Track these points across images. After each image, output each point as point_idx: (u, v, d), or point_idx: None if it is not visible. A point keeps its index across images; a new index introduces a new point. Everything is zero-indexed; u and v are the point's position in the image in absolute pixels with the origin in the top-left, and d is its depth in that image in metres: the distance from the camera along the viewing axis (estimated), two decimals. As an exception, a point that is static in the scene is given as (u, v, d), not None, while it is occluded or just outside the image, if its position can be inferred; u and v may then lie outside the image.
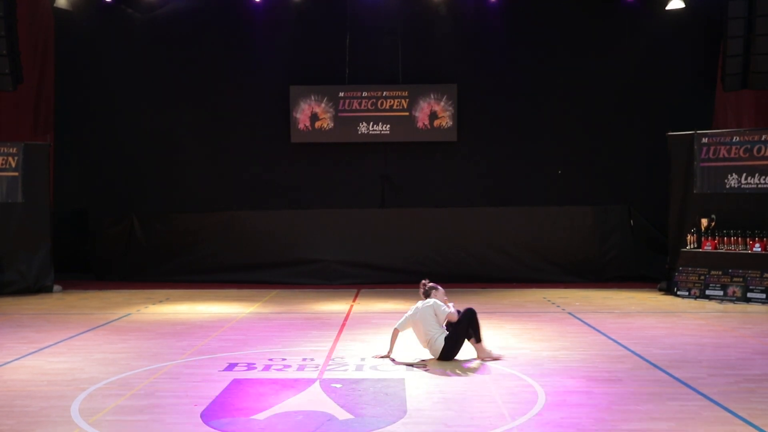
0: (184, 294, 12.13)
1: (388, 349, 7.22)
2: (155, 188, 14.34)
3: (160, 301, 11.32)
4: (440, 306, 7.14)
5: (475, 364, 6.95)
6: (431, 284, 7.42)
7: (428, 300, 7.25)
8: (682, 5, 13.26)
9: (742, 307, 10.63)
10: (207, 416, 5.30)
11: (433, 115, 14.12)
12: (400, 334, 7.26)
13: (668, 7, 13.38)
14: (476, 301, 11.31)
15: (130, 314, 10.07)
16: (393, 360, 7.07)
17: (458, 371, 6.70)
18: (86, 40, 14.23)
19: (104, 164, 14.37)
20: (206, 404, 5.60)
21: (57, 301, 11.59)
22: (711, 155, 11.76)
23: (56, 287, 12.45)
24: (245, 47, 14.33)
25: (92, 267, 14.19)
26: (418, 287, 7.48)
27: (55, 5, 13.72)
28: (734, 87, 11.96)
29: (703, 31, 13.65)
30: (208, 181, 14.40)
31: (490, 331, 8.71)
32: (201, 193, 14.34)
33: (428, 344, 7.11)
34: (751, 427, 5.01)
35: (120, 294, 12.15)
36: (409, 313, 7.21)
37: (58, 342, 8.06)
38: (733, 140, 11.59)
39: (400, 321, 7.27)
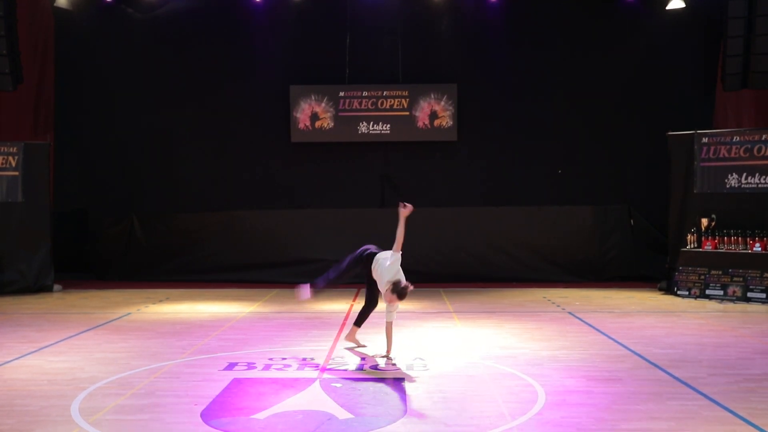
0: (184, 293, 12.14)
1: (387, 347, 7.23)
2: (155, 188, 14.34)
3: (160, 301, 11.32)
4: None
5: (472, 365, 6.95)
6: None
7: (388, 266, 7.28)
8: (682, 5, 13.26)
9: (742, 306, 10.63)
10: (207, 415, 5.31)
11: (433, 115, 14.13)
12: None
13: (668, 7, 13.38)
14: (476, 300, 11.32)
15: (130, 314, 10.07)
16: (390, 359, 7.08)
17: (458, 371, 6.70)
18: (86, 40, 14.23)
19: (104, 164, 14.37)
20: (206, 403, 5.60)
21: (57, 300, 11.59)
22: (711, 155, 11.76)
23: (56, 287, 12.45)
24: (245, 47, 14.33)
25: (92, 266, 14.19)
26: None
27: (55, 5, 13.71)
28: (734, 87, 11.96)
29: (703, 31, 13.65)
30: (208, 180, 14.40)
31: (491, 330, 8.72)
32: (201, 193, 14.34)
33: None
34: (751, 427, 5.01)
35: (120, 293, 12.15)
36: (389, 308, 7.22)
37: (59, 341, 8.07)
38: (734, 140, 11.59)
39: (388, 313, 7.27)
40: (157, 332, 8.65)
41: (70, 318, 9.74)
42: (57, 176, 13.90)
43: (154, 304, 11.02)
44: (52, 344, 7.91)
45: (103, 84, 14.30)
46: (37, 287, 12.26)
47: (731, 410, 5.38)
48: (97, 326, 9.04)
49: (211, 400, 5.71)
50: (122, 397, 5.79)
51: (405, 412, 5.39)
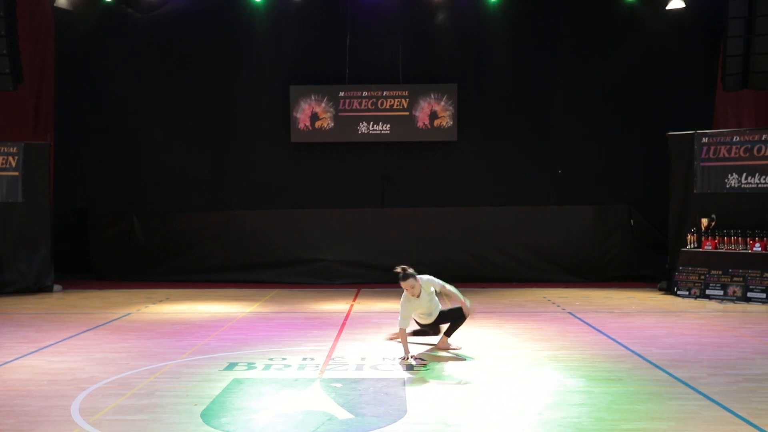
0: (184, 293, 12.14)
1: (404, 352, 7.08)
2: (155, 188, 14.32)
3: (160, 301, 11.32)
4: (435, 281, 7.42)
5: (472, 365, 6.94)
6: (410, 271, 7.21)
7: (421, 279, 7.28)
8: (682, 5, 13.24)
9: (742, 306, 10.64)
10: (207, 416, 5.31)
11: (433, 115, 14.12)
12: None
13: (668, 7, 13.37)
14: (476, 300, 11.30)
15: (130, 314, 10.07)
16: (413, 358, 7.06)
17: (459, 370, 6.70)
18: (86, 39, 14.21)
19: (104, 164, 14.35)
20: (206, 404, 5.60)
21: (57, 300, 11.59)
22: (711, 155, 11.77)
23: (56, 287, 12.45)
24: (245, 47, 14.31)
25: (92, 266, 14.19)
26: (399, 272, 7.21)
27: (55, 5, 13.69)
28: (735, 87, 11.97)
29: (703, 31, 13.64)
30: (208, 180, 14.38)
31: (491, 330, 8.72)
32: (201, 193, 14.33)
33: (430, 317, 7.44)
34: (751, 427, 5.01)
35: (120, 293, 12.15)
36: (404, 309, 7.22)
37: (59, 341, 8.07)
38: (734, 140, 11.59)
39: (400, 319, 7.20)
40: (157, 332, 8.65)
41: (70, 318, 9.74)
42: (57, 176, 13.89)
43: (154, 304, 11.02)
44: (52, 344, 7.91)
45: (104, 83, 14.28)
46: (37, 287, 12.27)
47: (731, 410, 5.38)
48: (97, 326, 9.04)
49: (211, 400, 5.71)
50: (122, 398, 5.79)
51: (405, 411, 5.39)
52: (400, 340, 7.16)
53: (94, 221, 14.31)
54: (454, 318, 7.54)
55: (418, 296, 7.20)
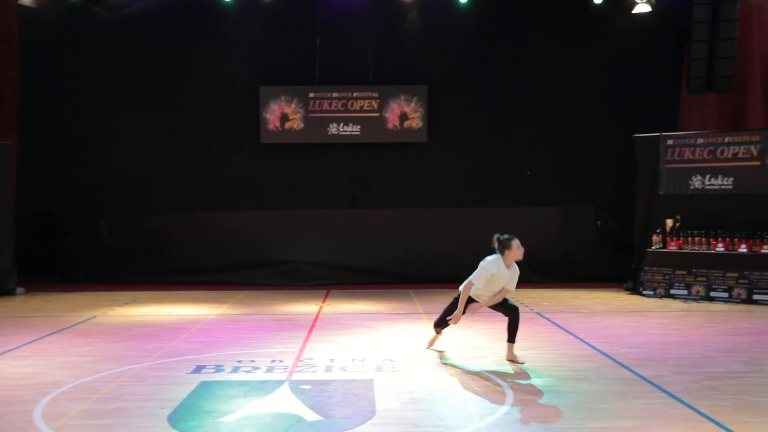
0: (151, 296, 11.99)
1: (457, 312, 7.16)
2: (122, 189, 14.15)
3: (127, 303, 11.17)
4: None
5: (447, 362, 6.97)
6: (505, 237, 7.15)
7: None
8: (648, 9, 13.45)
9: (705, 305, 10.83)
10: (174, 419, 5.25)
11: (403, 116, 14.16)
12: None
13: (635, 11, 13.56)
14: (446, 301, 11.29)
15: (95, 317, 9.92)
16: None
17: (427, 371, 6.72)
18: (52, 38, 14.00)
19: (70, 165, 14.13)
20: (173, 407, 5.54)
21: (20, 303, 11.37)
22: (676, 157, 11.97)
23: (19, 289, 12.22)
24: (215, 47, 14.21)
25: (57, 269, 13.94)
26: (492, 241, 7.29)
27: (19, 3, 13.44)
28: (699, 90, 12.19)
29: (668, 35, 13.88)
30: (177, 181, 14.25)
31: (459, 331, 8.75)
32: (169, 194, 14.19)
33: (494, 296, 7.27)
34: (713, 424, 5.11)
35: (85, 296, 11.96)
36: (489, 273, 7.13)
37: (21, 345, 7.92)
38: (698, 142, 11.81)
39: (476, 276, 7.21)
40: (123, 335, 8.53)
41: (33, 321, 9.56)
42: (21, 177, 13.63)
43: (120, 306, 10.88)
44: (14, 348, 7.76)
45: (69, 83, 14.07)
46: (0, 290, 12.02)
47: (694, 408, 5.47)
48: (62, 330, 8.89)
49: (178, 403, 5.65)
50: (87, 402, 5.70)
51: (374, 412, 5.39)
52: (461, 297, 7.20)
53: (59, 223, 14.08)
54: (512, 316, 7.18)
55: (509, 267, 7.20)
